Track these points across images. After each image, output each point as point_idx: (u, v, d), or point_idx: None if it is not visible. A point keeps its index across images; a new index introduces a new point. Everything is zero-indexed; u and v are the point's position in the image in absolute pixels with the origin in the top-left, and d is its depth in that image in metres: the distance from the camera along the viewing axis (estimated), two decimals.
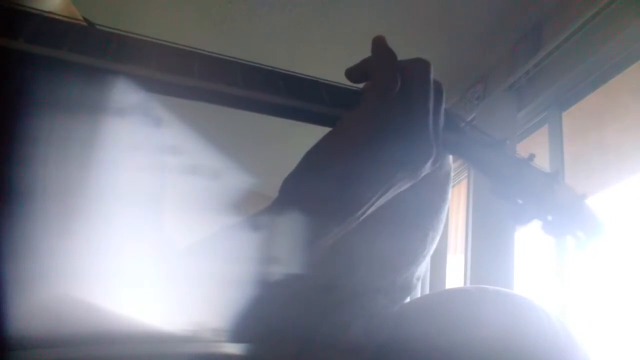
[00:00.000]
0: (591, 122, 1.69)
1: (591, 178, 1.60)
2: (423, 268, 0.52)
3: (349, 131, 0.39)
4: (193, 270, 0.38)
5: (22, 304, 0.32)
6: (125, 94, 0.37)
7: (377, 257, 0.49)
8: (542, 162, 0.48)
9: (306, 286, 0.45)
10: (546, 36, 1.81)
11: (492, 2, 1.83)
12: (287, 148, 2.20)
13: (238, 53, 0.42)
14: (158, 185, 0.44)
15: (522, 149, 1.84)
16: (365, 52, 0.42)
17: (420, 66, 0.40)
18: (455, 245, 2.17)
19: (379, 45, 0.41)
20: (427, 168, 0.40)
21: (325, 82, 0.43)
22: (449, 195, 0.53)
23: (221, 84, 0.38)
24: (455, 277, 2.11)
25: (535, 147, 1.83)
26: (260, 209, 0.40)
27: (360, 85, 0.43)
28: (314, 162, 0.39)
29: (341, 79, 0.44)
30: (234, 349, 0.38)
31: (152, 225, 0.45)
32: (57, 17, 0.39)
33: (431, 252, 0.52)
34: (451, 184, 0.53)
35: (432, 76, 0.40)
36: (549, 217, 0.47)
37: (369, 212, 0.40)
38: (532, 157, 0.47)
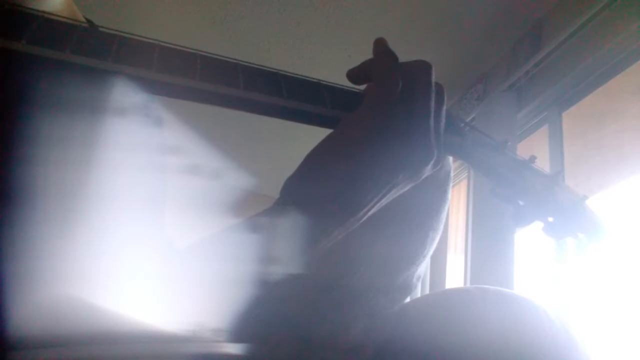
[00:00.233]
0: (591, 122, 1.69)
1: (591, 178, 1.60)
2: (423, 268, 0.52)
3: (351, 133, 0.39)
4: (193, 270, 0.38)
5: (22, 304, 0.32)
6: (126, 94, 0.37)
7: (377, 257, 0.49)
8: (542, 162, 0.48)
9: (306, 286, 0.45)
10: (546, 36, 1.81)
11: (492, 2, 1.82)
12: (288, 149, 2.20)
13: (238, 53, 0.43)
14: (158, 186, 0.44)
15: (522, 149, 1.85)
16: (366, 52, 0.42)
17: (422, 68, 0.40)
18: (455, 245, 2.17)
19: (380, 47, 0.41)
20: (428, 170, 0.40)
21: (327, 83, 0.43)
22: (449, 195, 0.53)
23: (223, 86, 0.38)
24: (455, 277, 2.11)
25: (535, 147, 1.83)
26: (261, 210, 0.40)
27: (362, 87, 0.43)
28: (315, 163, 0.39)
29: (341, 80, 0.44)
30: (234, 349, 0.38)
31: (152, 226, 0.45)
32: (58, 18, 0.39)
33: (431, 252, 0.52)
34: (451, 184, 0.53)
35: (433, 78, 0.40)
36: (550, 219, 0.47)
37: (370, 214, 0.40)
38: (533, 158, 0.47)
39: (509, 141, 0.46)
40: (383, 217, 0.47)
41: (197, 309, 0.36)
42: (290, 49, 2.12)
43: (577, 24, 1.61)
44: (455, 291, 0.51)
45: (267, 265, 0.37)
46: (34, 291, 0.33)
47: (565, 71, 1.68)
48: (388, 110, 0.38)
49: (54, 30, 0.37)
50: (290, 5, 1.94)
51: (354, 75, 0.42)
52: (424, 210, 0.50)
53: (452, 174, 0.53)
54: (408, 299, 0.52)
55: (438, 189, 0.51)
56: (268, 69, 0.42)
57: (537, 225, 0.47)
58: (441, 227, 0.52)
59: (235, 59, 0.41)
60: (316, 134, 0.41)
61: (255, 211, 0.40)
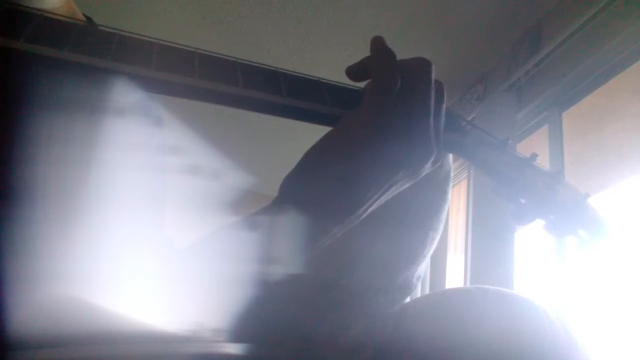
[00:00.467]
0: (591, 122, 1.69)
1: (591, 178, 1.60)
2: (423, 268, 0.52)
3: (349, 131, 0.39)
4: (193, 270, 0.38)
5: (22, 304, 0.32)
6: (125, 94, 0.37)
7: (377, 257, 0.49)
8: (542, 162, 0.48)
9: (306, 286, 0.45)
10: (546, 36, 1.81)
11: (492, 2, 1.82)
12: (287, 148, 2.20)
13: (238, 53, 0.42)
14: (158, 186, 0.44)
15: (522, 149, 1.84)
16: (365, 52, 0.42)
17: (422, 65, 0.40)
18: (455, 245, 2.17)
19: (378, 45, 0.41)
20: (427, 168, 0.40)
21: (326, 81, 0.43)
22: (449, 195, 0.53)
23: (221, 84, 0.38)
24: (455, 277, 2.11)
25: (535, 147, 1.83)
26: (259, 209, 0.40)
27: (362, 85, 0.43)
28: (313, 161, 0.39)
29: (341, 80, 0.44)
30: (234, 349, 0.38)
31: (152, 225, 0.45)
32: (57, 17, 0.39)
33: (431, 252, 0.52)
34: (451, 184, 0.53)
35: (433, 75, 0.40)
36: (551, 217, 0.47)
37: (369, 211, 0.40)
38: (534, 156, 0.47)
39: (510, 139, 0.46)
40: (383, 216, 0.47)
41: (197, 309, 0.36)
42: (290, 49, 2.12)
43: (577, 24, 1.61)
44: (455, 291, 0.51)
45: (266, 264, 0.37)
46: (34, 291, 0.33)
47: (565, 71, 1.68)
48: (387, 108, 0.38)
49: (53, 28, 0.37)
50: (290, 5, 1.94)
51: (353, 72, 0.42)
52: (424, 210, 0.50)
53: (452, 174, 0.53)
54: (408, 299, 0.52)
55: (438, 189, 0.51)
56: (267, 67, 0.42)
57: (539, 224, 0.47)
58: (441, 227, 0.52)
59: (234, 57, 0.41)
60: (315, 133, 0.41)
61: (253, 209, 0.40)
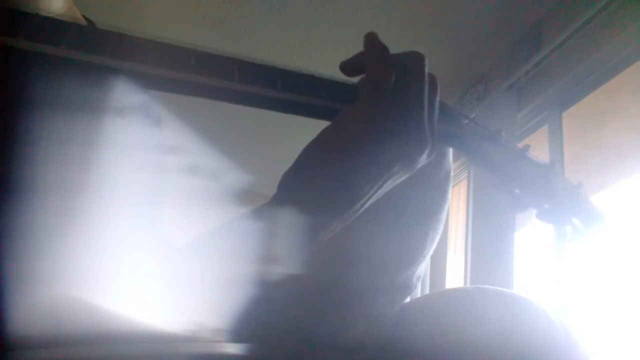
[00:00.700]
0: (591, 122, 1.69)
1: (591, 178, 1.60)
2: (423, 268, 0.52)
3: (346, 126, 0.39)
4: (192, 269, 0.38)
5: (22, 304, 0.32)
6: (124, 93, 0.37)
7: (377, 257, 0.49)
8: (538, 157, 0.49)
9: (306, 286, 0.45)
10: (546, 36, 1.81)
11: (492, 2, 1.82)
12: (285, 146, 2.19)
13: (237, 52, 0.43)
14: (157, 185, 0.44)
15: None
16: None
17: (415, 59, 0.41)
18: (455, 245, 2.17)
19: (371, 40, 0.41)
20: (422, 160, 0.40)
21: (321, 76, 0.43)
22: (449, 195, 0.53)
23: (217, 79, 0.38)
24: (455, 277, 2.11)
25: (535, 147, 1.83)
26: (258, 206, 0.40)
27: (357, 79, 0.43)
28: (311, 158, 0.40)
29: (341, 78, 0.44)
30: (233, 349, 0.38)
31: (151, 225, 0.45)
32: (56, 18, 0.39)
33: (431, 252, 0.52)
34: (451, 184, 0.53)
35: (426, 69, 0.41)
36: (546, 205, 0.47)
37: (367, 205, 0.40)
38: (527, 147, 0.47)
39: (503, 131, 0.47)
40: (383, 216, 0.47)
41: (197, 308, 0.36)
42: (290, 49, 2.12)
43: (577, 24, 1.61)
44: (455, 291, 0.51)
45: (266, 263, 0.37)
46: (34, 291, 0.33)
47: (565, 71, 1.68)
48: (381, 102, 0.38)
49: (51, 26, 0.37)
50: (290, 5, 1.94)
51: (347, 67, 0.43)
52: (424, 210, 0.51)
53: (452, 174, 0.53)
54: (408, 299, 0.52)
55: (438, 188, 0.51)
56: (262, 63, 0.42)
57: (533, 212, 0.48)
58: (441, 227, 0.52)
59: (231, 54, 0.41)
60: (313, 131, 0.41)
61: (253, 207, 0.40)
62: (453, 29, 1.97)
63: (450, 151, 0.53)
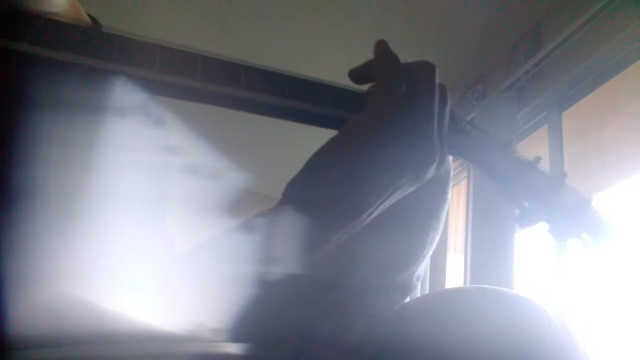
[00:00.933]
0: (591, 122, 1.69)
1: (591, 179, 1.59)
2: (423, 268, 0.52)
3: (354, 135, 0.39)
4: (193, 270, 0.38)
5: (22, 304, 0.32)
6: (126, 95, 0.37)
7: (378, 257, 0.49)
8: (542, 162, 0.48)
9: (307, 286, 0.45)
10: (546, 36, 1.81)
11: (491, 2, 1.82)
12: (289, 150, 2.20)
13: (237, 54, 0.42)
14: (159, 187, 0.44)
15: (522, 149, 1.84)
16: (366, 53, 0.42)
17: (426, 69, 0.40)
18: (455, 246, 2.17)
19: (382, 49, 0.41)
20: (431, 172, 0.40)
21: (330, 84, 0.43)
22: (449, 195, 0.53)
23: (224, 87, 0.38)
24: (455, 277, 2.11)
25: (535, 147, 1.83)
26: (262, 211, 0.40)
27: (365, 87, 0.43)
28: (318, 166, 0.39)
29: (341, 80, 0.44)
30: (233, 349, 0.38)
31: (152, 226, 0.45)
32: (61, 19, 0.38)
33: (431, 252, 0.51)
34: (451, 184, 0.53)
35: (437, 79, 0.40)
36: (555, 220, 0.46)
37: (373, 216, 0.40)
38: (538, 159, 0.46)
39: (513, 141, 0.46)
40: (383, 217, 0.47)
41: (197, 309, 0.36)
42: (290, 50, 2.12)
43: (577, 24, 1.61)
44: (456, 291, 0.51)
45: (267, 263, 0.37)
46: (34, 291, 0.33)
47: (565, 71, 1.68)
48: (391, 113, 0.38)
49: (56, 30, 0.37)
50: (290, 5, 1.94)
51: (356, 75, 0.42)
52: (424, 210, 0.50)
53: (452, 174, 0.53)
54: (408, 299, 0.52)
55: (438, 189, 0.51)
56: (270, 69, 0.42)
57: (542, 227, 0.47)
58: (441, 227, 0.52)
59: (238, 60, 0.41)
60: (317, 136, 0.41)
61: (256, 212, 0.40)
62: (453, 29, 1.97)
63: None
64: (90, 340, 0.33)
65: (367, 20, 1.96)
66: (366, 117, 0.39)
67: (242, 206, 0.45)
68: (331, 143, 0.40)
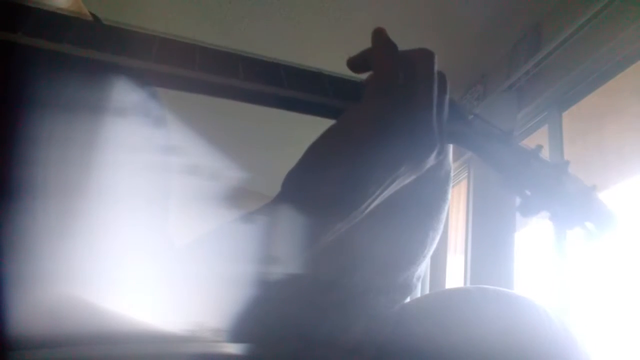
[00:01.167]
0: (591, 122, 1.69)
1: (591, 179, 1.59)
2: (423, 268, 0.52)
3: (351, 125, 0.38)
4: (193, 270, 0.38)
5: (22, 304, 0.32)
6: (126, 93, 0.37)
7: (378, 256, 0.49)
8: (542, 153, 0.48)
9: (307, 286, 0.45)
10: (546, 36, 1.81)
11: (491, 2, 1.82)
12: (290, 150, 2.19)
13: (237, 50, 0.42)
14: (159, 187, 0.44)
15: None
16: None
17: (424, 56, 0.40)
18: (455, 245, 2.17)
19: (379, 36, 0.40)
20: (430, 161, 0.39)
21: (328, 73, 0.43)
22: (449, 195, 0.53)
23: (222, 76, 0.38)
24: (455, 277, 2.11)
25: None
26: (262, 205, 0.40)
27: (364, 76, 0.42)
28: (316, 156, 0.39)
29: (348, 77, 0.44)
30: (233, 349, 0.38)
31: (152, 225, 0.45)
32: (58, 11, 0.38)
33: (431, 252, 0.51)
34: (451, 184, 0.53)
35: (435, 66, 0.40)
36: (558, 209, 0.46)
37: (372, 206, 0.39)
38: (539, 148, 0.46)
39: (515, 130, 0.45)
40: (383, 217, 0.47)
41: (197, 308, 0.36)
42: (290, 49, 2.12)
43: (577, 24, 1.61)
44: (456, 291, 0.51)
45: (267, 263, 0.36)
46: (34, 291, 0.33)
47: (565, 71, 1.68)
48: (389, 101, 0.38)
49: (52, 22, 0.36)
50: (290, 5, 1.94)
51: (354, 63, 0.42)
52: (424, 210, 0.50)
53: (452, 174, 0.53)
54: (408, 299, 0.52)
55: (438, 189, 0.51)
56: (269, 59, 0.41)
57: (545, 215, 0.46)
58: (441, 227, 0.52)
59: (235, 50, 0.41)
60: (316, 131, 0.41)
61: (256, 207, 0.40)
62: (453, 29, 1.97)
63: (451, 150, 0.52)
64: (90, 340, 0.33)
65: (367, 20, 1.96)
66: (363, 106, 0.38)
67: (241, 205, 0.45)
68: (329, 133, 0.39)
